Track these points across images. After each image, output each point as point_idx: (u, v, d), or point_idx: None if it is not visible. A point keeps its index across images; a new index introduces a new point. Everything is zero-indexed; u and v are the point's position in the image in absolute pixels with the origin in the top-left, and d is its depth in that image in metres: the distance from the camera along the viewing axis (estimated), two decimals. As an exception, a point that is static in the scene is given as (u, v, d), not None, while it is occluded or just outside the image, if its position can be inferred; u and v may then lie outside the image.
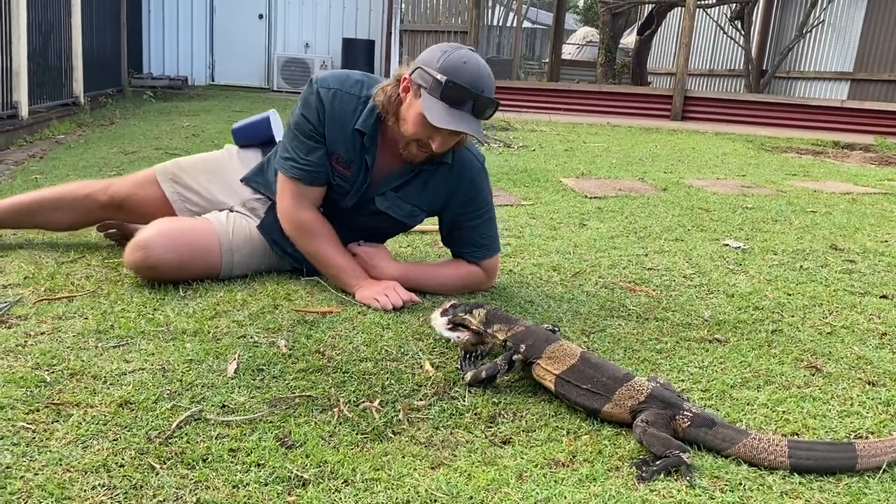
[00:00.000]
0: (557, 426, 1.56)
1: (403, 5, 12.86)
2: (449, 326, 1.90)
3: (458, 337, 1.88)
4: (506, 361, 1.70)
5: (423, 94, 2.00)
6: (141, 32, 12.97)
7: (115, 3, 10.34)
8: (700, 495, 1.30)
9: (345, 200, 2.25)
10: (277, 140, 2.53)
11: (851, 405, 1.69)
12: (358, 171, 2.19)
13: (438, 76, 1.97)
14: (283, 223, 2.24)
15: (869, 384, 1.81)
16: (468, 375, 1.71)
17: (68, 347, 1.75)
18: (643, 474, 1.35)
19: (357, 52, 12.88)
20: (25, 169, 4.41)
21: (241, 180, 2.43)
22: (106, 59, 9.76)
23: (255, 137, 2.55)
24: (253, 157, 2.51)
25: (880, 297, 2.51)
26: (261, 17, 13.70)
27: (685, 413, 1.48)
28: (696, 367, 1.86)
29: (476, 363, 1.77)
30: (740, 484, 1.35)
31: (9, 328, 1.85)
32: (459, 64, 1.99)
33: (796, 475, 1.38)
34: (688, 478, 1.34)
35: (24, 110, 6.02)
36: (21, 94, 5.98)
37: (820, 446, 1.44)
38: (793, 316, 2.29)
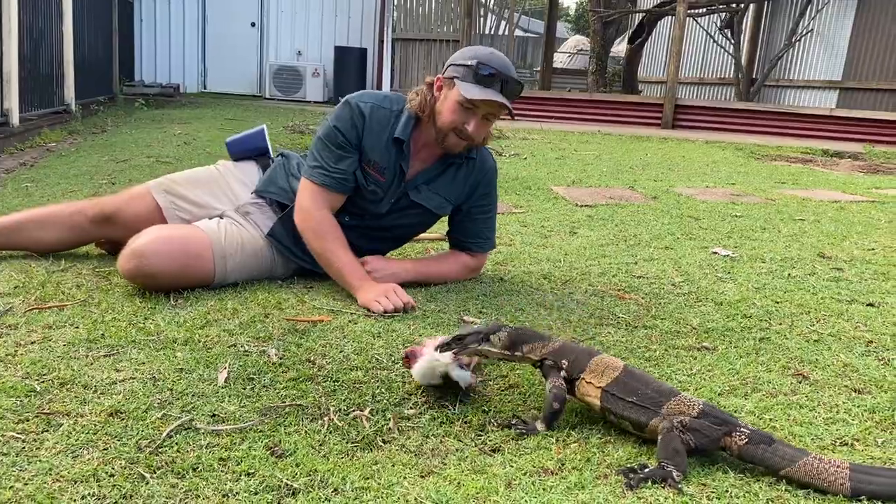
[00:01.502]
0: (546, 434, 1.57)
1: (396, 14, 12.91)
2: (458, 363, 1.66)
3: (471, 379, 1.67)
4: (559, 380, 1.60)
5: (457, 82, 2.24)
6: (133, 40, 12.98)
7: (107, 10, 10.35)
8: (687, 502, 1.31)
9: (379, 206, 2.40)
10: (270, 152, 2.64)
11: (838, 412, 1.71)
12: (392, 177, 2.36)
13: (470, 62, 2.23)
14: (297, 219, 2.34)
15: (855, 391, 1.83)
16: (541, 425, 1.58)
17: (59, 357, 1.75)
18: (630, 482, 1.36)
19: (349, 61, 12.91)
20: (16, 177, 4.41)
21: (253, 193, 2.50)
22: (97, 66, 9.76)
23: (250, 150, 2.64)
24: (249, 169, 2.59)
25: (867, 305, 2.53)
26: (253, 25, 13.73)
27: (742, 430, 1.44)
28: (684, 374, 1.88)
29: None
30: (727, 491, 1.36)
31: (-1, 337, 1.85)
32: (488, 53, 2.28)
33: (783, 483, 1.40)
34: (678, 486, 1.35)
35: (14, 118, 6.01)
36: (12, 102, 5.97)
37: (884, 472, 1.40)
38: (780, 324, 2.31)
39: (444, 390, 1.68)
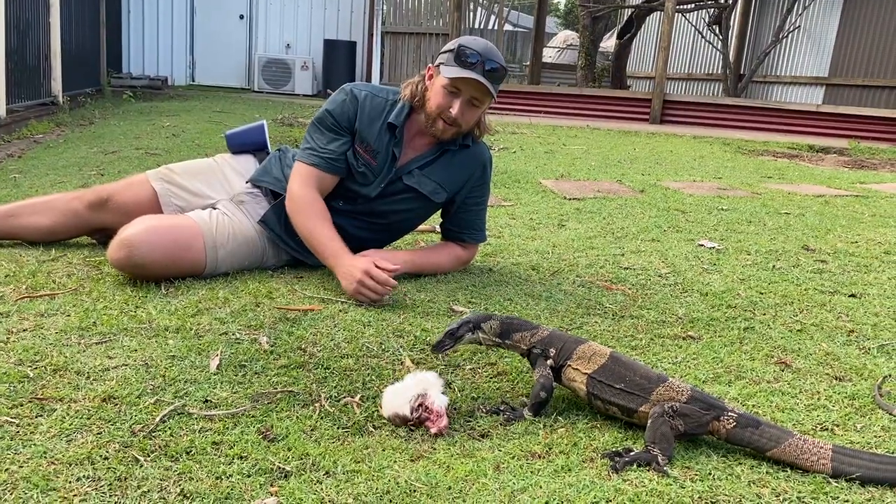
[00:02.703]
0: (534, 420, 1.59)
1: (385, 7, 12.88)
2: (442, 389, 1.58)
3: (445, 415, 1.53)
4: (545, 369, 1.63)
5: (441, 67, 2.32)
6: (120, 32, 12.88)
7: (95, 1, 10.27)
8: (671, 484, 1.35)
9: (368, 189, 2.42)
10: (269, 147, 2.68)
11: (819, 399, 1.75)
12: (384, 161, 2.40)
13: (452, 46, 2.32)
14: (287, 202, 2.37)
15: (836, 379, 1.87)
16: (528, 413, 1.60)
17: (51, 344, 1.76)
18: (616, 465, 1.40)
19: (339, 54, 12.88)
20: (4, 168, 4.39)
21: (248, 181, 2.53)
22: (85, 58, 9.69)
23: (249, 144, 2.68)
24: (246, 162, 2.63)
25: (849, 296, 2.57)
26: (242, 17, 13.66)
27: (730, 414, 1.47)
28: (669, 362, 1.91)
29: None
30: (710, 474, 1.39)
31: (-10, 325, 1.86)
32: (471, 39, 2.37)
33: (764, 464, 1.43)
34: (663, 470, 1.38)
35: (1, 109, 5.97)
36: (-2, 93, 5.94)
37: (865, 456, 1.43)
38: (764, 314, 2.35)
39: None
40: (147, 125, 6.86)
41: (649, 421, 1.47)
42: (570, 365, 1.62)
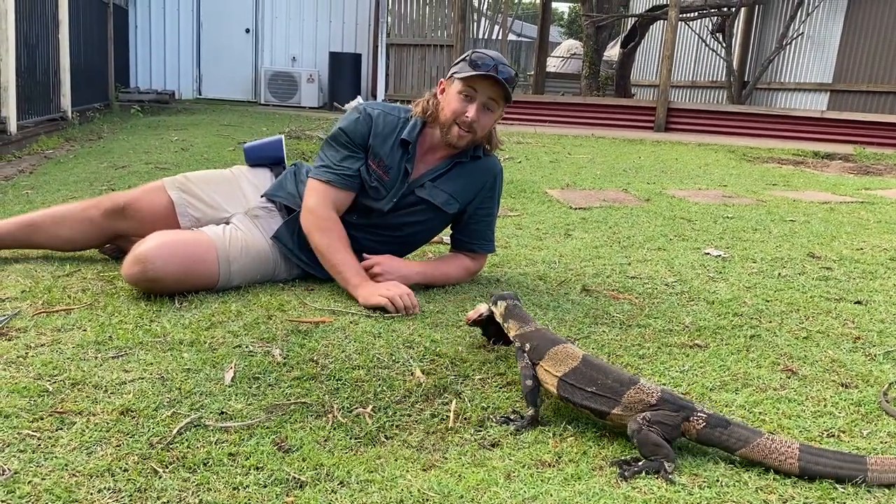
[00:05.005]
0: (544, 429, 1.62)
1: (389, 19, 12.97)
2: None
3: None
4: (525, 360, 1.70)
5: (455, 75, 2.40)
6: (128, 46, 13.03)
7: (102, 17, 10.40)
8: (679, 491, 1.37)
9: (381, 203, 2.47)
10: (285, 161, 2.73)
11: (825, 406, 1.77)
12: (396, 176, 2.45)
13: (466, 56, 2.40)
14: (303, 219, 2.42)
15: (842, 386, 1.89)
16: (529, 408, 1.65)
17: (68, 358, 1.80)
18: (625, 473, 1.42)
19: (344, 66, 12.98)
20: (16, 184, 4.44)
21: (263, 196, 2.57)
22: (93, 73, 9.80)
23: (266, 157, 2.73)
24: (262, 175, 2.67)
25: (855, 303, 2.59)
26: (248, 31, 13.78)
27: (699, 415, 1.50)
28: (676, 371, 1.94)
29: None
30: (717, 480, 1.42)
31: (9, 340, 1.90)
32: (483, 50, 2.45)
33: (771, 472, 1.45)
34: (669, 478, 1.41)
35: (12, 125, 6.04)
36: (9, 110, 6.01)
37: (830, 454, 1.46)
38: (770, 321, 2.37)
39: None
40: (155, 139, 6.92)
41: (634, 440, 1.49)
42: (541, 365, 1.67)
